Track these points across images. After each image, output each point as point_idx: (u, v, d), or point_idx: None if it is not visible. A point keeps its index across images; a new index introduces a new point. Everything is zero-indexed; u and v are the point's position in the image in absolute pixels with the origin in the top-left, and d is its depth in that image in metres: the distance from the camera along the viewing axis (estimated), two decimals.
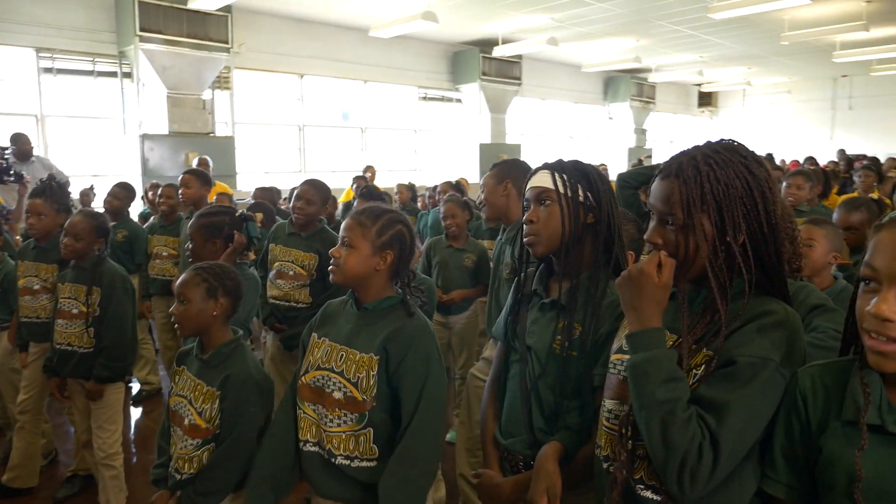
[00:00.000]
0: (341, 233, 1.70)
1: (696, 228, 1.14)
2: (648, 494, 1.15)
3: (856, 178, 5.50)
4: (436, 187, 6.37)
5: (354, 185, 7.55)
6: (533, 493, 1.41)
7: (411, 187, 7.39)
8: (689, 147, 1.22)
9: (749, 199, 1.14)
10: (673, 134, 18.44)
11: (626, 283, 1.17)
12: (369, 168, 8.59)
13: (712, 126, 19.57)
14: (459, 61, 12.06)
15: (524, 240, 1.60)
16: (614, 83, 15.58)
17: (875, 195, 5.20)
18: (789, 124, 17.73)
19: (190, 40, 8.16)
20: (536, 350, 1.56)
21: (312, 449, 1.67)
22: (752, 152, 1.20)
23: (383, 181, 10.16)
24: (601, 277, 1.53)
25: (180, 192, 4.05)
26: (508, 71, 12.26)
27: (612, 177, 9.52)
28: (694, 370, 1.12)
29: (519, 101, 13.04)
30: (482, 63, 11.74)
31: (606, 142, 15.99)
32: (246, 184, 9.08)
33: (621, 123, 15.94)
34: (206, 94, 8.65)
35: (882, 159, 11.30)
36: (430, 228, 5.39)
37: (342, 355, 1.65)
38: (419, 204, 7.01)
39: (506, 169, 2.63)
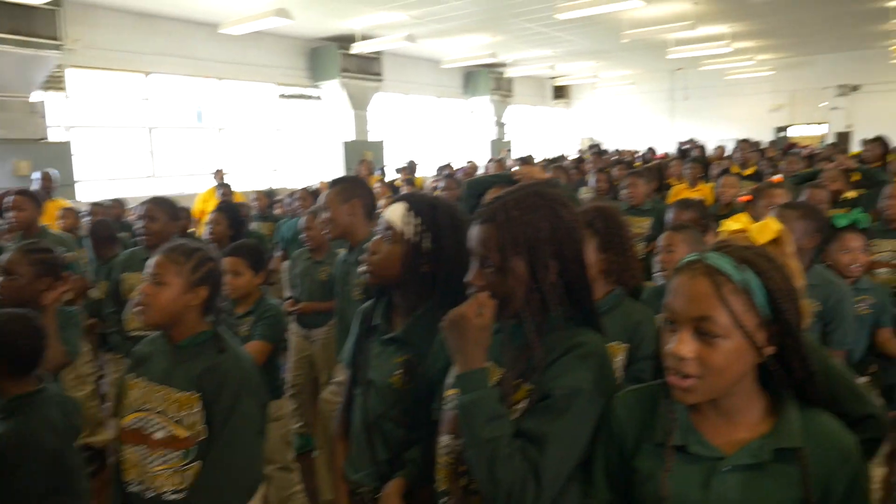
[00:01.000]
0: (150, 269, 1.67)
1: (511, 270, 1.21)
2: None
3: (685, 172, 6.02)
4: (294, 194, 6.21)
5: (220, 192, 7.20)
6: None
7: (269, 193, 7.16)
8: (502, 193, 1.29)
9: (556, 240, 1.23)
10: (532, 125, 19.22)
11: (449, 326, 1.23)
12: (218, 172, 8.19)
13: (567, 117, 20.61)
14: (318, 57, 11.82)
15: (362, 266, 1.61)
16: (474, 78, 15.96)
17: (701, 187, 5.72)
18: (635, 114, 19.06)
19: (12, 36, 7.36)
20: (377, 384, 1.58)
21: (136, 489, 1.66)
22: (557, 194, 1.28)
23: (242, 184, 9.80)
24: (439, 313, 1.57)
25: (11, 214, 3.66)
26: (369, 67, 12.19)
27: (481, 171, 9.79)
28: (517, 405, 1.20)
29: (381, 96, 13.02)
30: (342, 59, 11.57)
31: (469, 135, 16.37)
32: (87, 194, 8.40)
33: (482, 117, 16.38)
34: (36, 96, 7.87)
35: (714, 143, 12.45)
36: (288, 241, 5.23)
37: (160, 395, 1.65)
38: (278, 210, 6.81)
39: (352, 187, 2.63)
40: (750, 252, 1.07)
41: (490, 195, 3.05)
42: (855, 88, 16.31)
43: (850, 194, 4.52)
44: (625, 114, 19.26)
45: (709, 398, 1.06)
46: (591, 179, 5.00)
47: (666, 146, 14.79)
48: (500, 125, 16.72)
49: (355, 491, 1.64)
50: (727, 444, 1.06)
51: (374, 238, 1.60)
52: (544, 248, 1.21)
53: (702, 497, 1.05)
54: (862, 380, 2.60)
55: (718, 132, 16.13)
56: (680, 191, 5.74)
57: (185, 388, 1.63)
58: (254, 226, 6.38)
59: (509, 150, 15.22)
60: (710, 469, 1.05)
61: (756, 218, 2.11)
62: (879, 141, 7.96)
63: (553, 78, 18.59)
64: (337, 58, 11.54)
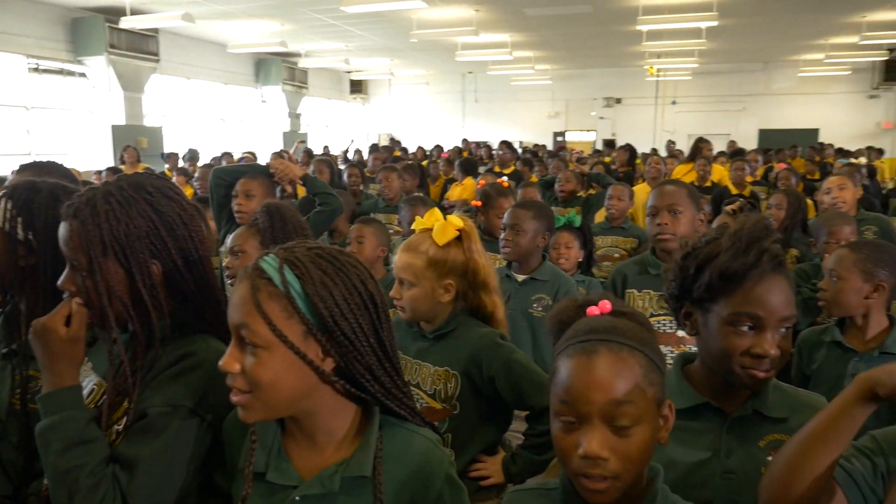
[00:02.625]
0: None
1: (102, 273, 1.08)
2: None
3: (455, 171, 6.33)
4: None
5: None
6: None
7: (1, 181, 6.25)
8: (94, 186, 1.15)
9: (156, 238, 1.12)
10: (328, 119, 18.99)
11: (34, 340, 1.07)
12: None
13: (364, 112, 20.68)
14: (81, 30, 10.54)
15: None
16: (265, 66, 15.35)
17: (467, 183, 6.03)
18: (429, 113, 19.68)
19: None
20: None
21: None
22: (165, 185, 1.17)
23: None
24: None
25: None
26: (143, 45, 11.13)
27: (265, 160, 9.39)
28: (116, 425, 1.08)
29: (158, 79, 12.01)
30: (109, 34, 10.41)
31: (261, 125, 15.74)
32: None
33: (275, 107, 15.83)
34: None
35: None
36: None
37: None
38: None
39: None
40: (305, 252, 0.97)
41: (242, 185, 2.91)
42: (618, 101, 18.37)
43: (582, 194, 5.03)
44: (419, 112, 19.80)
45: (270, 416, 0.97)
46: (345, 175, 4.92)
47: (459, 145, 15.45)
48: (296, 116, 16.30)
49: None
50: (310, 469, 0.98)
51: None
52: (141, 248, 1.09)
53: None
54: None
55: (505, 134, 17.19)
56: (454, 187, 5.99)
57: None
58: None
59: (303, 142, 14.89)
60: (284, 499, 0.97)
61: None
62: (626, 148, 9.05)
63: (349, 72, 18.53)
64: (103, 31, 10.36)
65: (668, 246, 2.06)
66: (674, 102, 17.69)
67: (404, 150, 11.75)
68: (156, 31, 11.21)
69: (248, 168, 3.29)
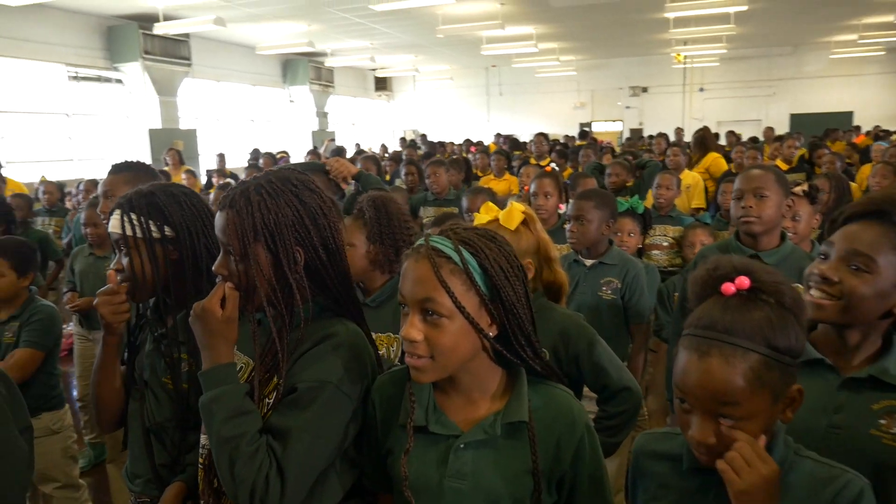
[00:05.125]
0: None
1: (253, 258, 1.17)
2: None
3: (491, 164, 6.36)
4: (79, 185, 5.62)
5: None
6: None
7: (60, 185, 6.45)
8: (247, 178, 1.26)
9: (301, 227, 1.20)
10: (354, 117, 19.14)
11: (194, 321, 1.17)
12: None
13: (389, 109, 20.80)
14: (116, 37, 10.79)
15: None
16: (293, 66, 15.53)
17: (507, 177, 6.08)
18: (454, 108, 19.74)
19: None
20: (152, 384, 1.50)
21: None
22: (306, 179, 1.26)
23: (28, 175, 8.73)
24: None
25: None
26: (175, 50, 11.36)
27: (296, 159, 9.51)
28: (267, 398, 1.18)
29: (190, 82, 12.23)
30: (143, 40, 10.65)
31: (289, 125, 15.93)
32: None
33: (303, 107, 16.01)
34: None
35: (526, 137, 13.23)
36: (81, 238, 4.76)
37: None
38: (68, 203, 6.16)
39: (139, 174, 2.38)
40: (471, 233, 1.09)
41: None
42: (645, 90, 18.24)
43: (629, 183, 5.04)
44: (445, 107, 19.86)
45: (442, 377, 1.09)
46: (402, 171, 5.10)
47: (484, 139, 15.48)
48: (323, 115, 16.46)
49: (137, 502, 1.54)
50: (467, 422, 1.11)
51: (114, 261, 1.48)
52: (287, 236, 1.18)
53: (438, 473, 1.09)
54: None
55: (531, 126, 17.18)
56: (488, 181, 6.04)
57: None
58: (40, 221, 5.73)
59: (332, 140, 15.04)
60: (448, 447, 1.09)
61: None
62: (663, 136, 9.03)
63: (374, 70, 18.65)
64: (137, 38, 10.61)
65: (752, 229, 2.08)
66: (702, 90, 17.52)
67: (432, 144, 11.75)
68: (187, 35, 11.42)
69: (304, 167, 3.37)
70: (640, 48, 16.23)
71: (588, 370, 1.74)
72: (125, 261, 1.44)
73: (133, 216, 1.43)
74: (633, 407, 1.76)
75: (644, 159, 5.16)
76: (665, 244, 3.98)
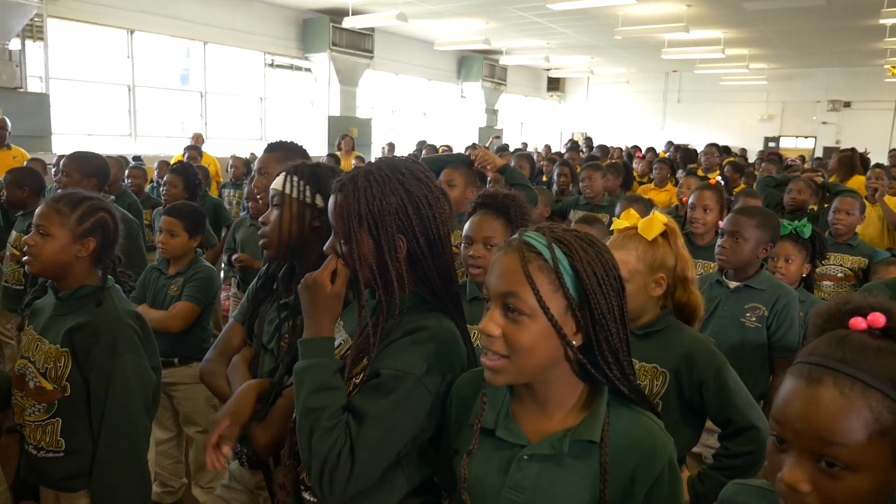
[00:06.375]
0: (35, 220, 1.67)
1: (356, 242, 1.19)
2: (307, 496, 1.22)
3: (654, 173, 6.04)
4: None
5: (186, 155, 7.16)
6: (220, 412, 1.40)
7: (247, 162, 7.10)
8: (360, 165, 1.27)
9: (404, 215, 1.20)
10: (523, 115, 19.17)
11: (303, 291, 1.21)
12: (196, 136, 8.11)
13: (560, 110, 20.56)
14: (309, 29, 11.69)
15: (261, 242, 1.57)
16: (467, 62, 15.87)
17: (669, 188, 5.73)
18: (627, 113, 19.05)
19: None
20: (271, 349, 1.57)
21: (23, 432, 1.70)
22: (417, 168, 1.25)
23: (225, 150, 9.71)
24: None
25: None
26: (360, 43, 12.07)
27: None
28: (355, 378, 1.19)
29: (371, 74, 12.92)
30: (333, 33, 11.45)
31: (458, 120, 16.30)
32: (64, 146, 8.29)
33: (473, 103, 16.30)
34: (14, 44, 7.74)
35: (700, 147, 12.45)
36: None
37: (37, 345, 1.66)
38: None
39: (291, 153, 2.54)
40: (569, 233, 1.03)
41: (444, 175, 3.05)
42: (847, 104, 16.39)
43: (814, 207, 4.53)
44: (617, 111, 19.24)
45: (518, 380, 1.03)
46: (554, 172, 4.99)
47: (656, 147, 14.81)
48: (492, 112, 16.65)
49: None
50: (537, 434, 1.05)
51: (267, 212, 1.56)
52: (390, 223, 1.19)
53: (498, 482, 1.03)
54: None
55: (708, 137, 16.14)
56: (647, 190, 5.75)
57: (56, 342, 1.62)
58: (226, 192, 6.36)
59: (499, 137, 15.17)
60: (512, 456, 1.04)
61: None
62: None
63: (548, 70, 18.52)
64: (328, 31, 11.41)
65: None
66: None
67: (598, 147, 11.38)
68: (372, 30, 12.08)
69: (451, 158, 3.40)
70: (845, 58, 14.61)
71: (712, 400, 1.59)
72: (274, 214, 1.52)
73: (295, 178, 1.52)
74: (758, 448, 1.56)
75: (832, 182, 4.61)
76: (840, 275, 3.54)
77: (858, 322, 0.82)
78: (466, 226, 1.94)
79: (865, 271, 3.47)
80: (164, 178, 4.07)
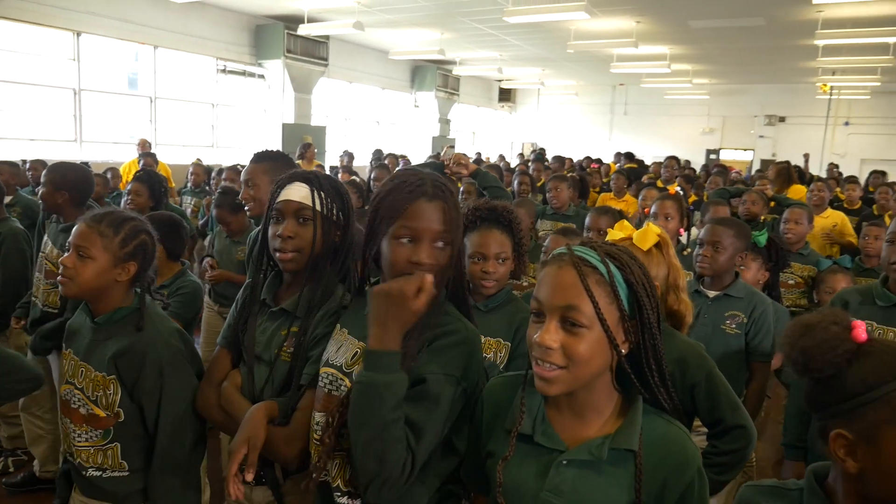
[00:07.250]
0: (74, 240, 1.58)
1: (451, 249, 1.27)
2: (345, 500, 1.24)
3: (611, 184, 6.23)
4: (221, 171, 6.04)
5: (142, 162, 6.97)
6: (235, 441, 1.40)
7: (207, 169, 6.96)
8: (423, 174, 1.29)
9: (458, 227, 1.28)
10: (475, 125, 19.36)
11: (383, 298, 1.18)
12: (142, 142, 7.93)
13: (511, 120, 20.86)
14: (263, 35, 11.54)
15: (281, 255, 1.53)
16: (421, 72, 15.95)
17: (626, 198, 5.92)
18: (576, 124, 19.49)
19: None
20: (265, 359, 1.55)
21: (70, 459, 1.67)
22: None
23: (174, 157, 9.49)
24: (327, 285, 1.56)
25: None
26: (315, 50, 11.98)
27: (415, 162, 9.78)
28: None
29: (325, 82, 12.84)
30: (287, 40, 11.33)
31: (412, 129, 16.34)
32: (5, 152, 7.95)
33: (427, 112, 16.38)
34: None
35: (648, 160, 12.86)
36: None
37: (82, 371, 1.61)
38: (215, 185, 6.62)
39: (279, 164, 2.52)
40: (614, 248, 1.09)
41: None
42: (782, 119, 17.19)
43: (765, 217, 4.76)
44: (566, 123, 19.66)
45: (570, 389, 1.06)
46: (514, 182, 5.12)
47: (604, 157, 15.20)
48: (445, 122, 16.76)
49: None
50: (574, 440, 1.09)
51: (286, 223, 1.52)
52: (458, 233, 1.27)
53: (535, 487, 1.07)
54: None
55: (654, 149, 16.67)
56: (605, 199, 5.92)
57: (101, 370, 1.57)
58: (186, 200, 6.23)
59: (452, 147, 15.27)
60: (550, 461, 1.08)
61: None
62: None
63: (500, 80, 18.78)
64: (282, 38, 11.29)
65: None
66: (847, 123, 16.29)
67: (562, 161, 11.56)
68: (327, 37, 12.01)
69: (424, 165, 3.44)
70: (781, 75, 15.35)
71: (703, 402, 1.69)
72: (300, 228, 1.51)
73: (322, 195, 1.53)
74: (745, 446, 1.68)
75: (783, 196, 4.87)
76: (791, 282, 3.74)
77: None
78: (473, 241, 1.97)
79: (814, 279, 3.68)
80: (128, 187, 3.98)
